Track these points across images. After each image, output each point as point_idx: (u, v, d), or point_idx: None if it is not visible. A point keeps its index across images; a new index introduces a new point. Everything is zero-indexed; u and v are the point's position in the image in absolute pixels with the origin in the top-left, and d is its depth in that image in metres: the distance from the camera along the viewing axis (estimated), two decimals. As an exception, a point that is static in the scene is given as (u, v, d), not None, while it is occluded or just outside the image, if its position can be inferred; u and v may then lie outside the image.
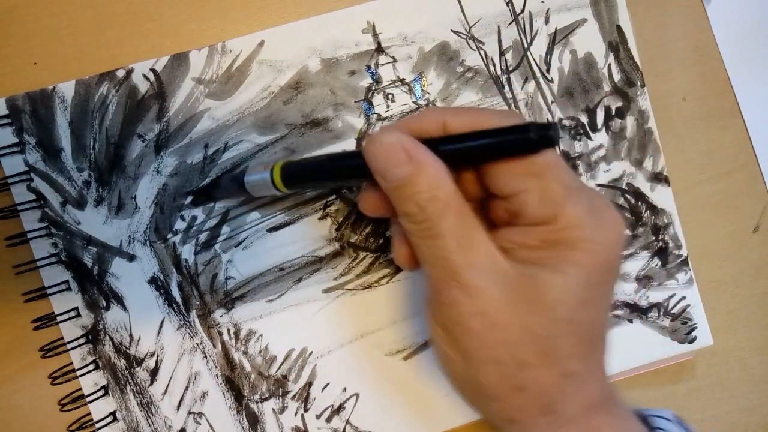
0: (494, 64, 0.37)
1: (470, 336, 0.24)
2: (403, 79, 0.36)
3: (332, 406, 0.35)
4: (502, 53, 0.37)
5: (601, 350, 0.25)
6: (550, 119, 0.37)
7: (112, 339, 0.34)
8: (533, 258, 0.24)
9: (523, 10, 0.37)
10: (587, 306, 0.23)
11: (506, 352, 0.23)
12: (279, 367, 0.35)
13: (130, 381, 0.34)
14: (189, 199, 0.34)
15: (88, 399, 0.34)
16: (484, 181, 0.25)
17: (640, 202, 0.37)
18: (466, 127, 0.25)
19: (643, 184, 0.37)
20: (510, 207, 0.25)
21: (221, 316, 0.35)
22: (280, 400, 0.35)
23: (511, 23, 0.37)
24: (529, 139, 0.23)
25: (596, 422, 0.24)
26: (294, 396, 0.35)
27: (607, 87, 0.37)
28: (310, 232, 0.35)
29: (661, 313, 0.37)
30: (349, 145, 0.36)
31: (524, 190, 0.24)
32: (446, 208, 0.23)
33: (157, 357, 0.34)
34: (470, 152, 0.24)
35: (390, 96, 0.36)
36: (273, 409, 0.35)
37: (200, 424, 0.34)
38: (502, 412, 0.24)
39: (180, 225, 0.34)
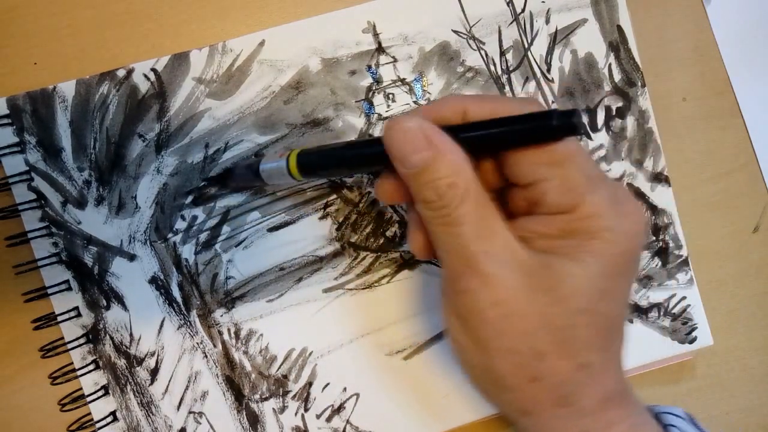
0: (495, 64, 0.37)
1: (486, 325, 0.23)
2: (404, 78, 0.36)
3: (332, 405, 0.35)
4: (502, 53, 0.37)
5: (619, 342, 0.25)
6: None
7: (112, 338, 0.34)
8: (552, 247, 0.24)
9: (523, 10, 0.37)
10: (606, 296, 0.23)
11: (522, 341, 0.23)
12: (279, 367, 0.35)
13: (131, 380, 0.34)
14: (200, 186, 0.34)
15: (89, 399, 0.34)
16: (503, 169, 0.25)
17: (640, 203, 0.37)
18: (487, 114, 0.25)
19: (643, 184, 0.37)
20: (529, 196, 0.25)
21: (221, 315, 0.35)
22: (281, 399, 0.35)
23: (511, 23, 0.37)
24: (552, 126, 0.23)
25: (611, 415, 0.24)
26: (294, 396, 0.35)
27: (607, 87, 0.37)
28: (310, 232, 0.35)
29: (662, 313, 0.37)
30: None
31: (545, 178, 0.24)
32: (465, 195, 0.23)
33: (158, 356, 0.34)
34: (491, 140, 0.24)
35: (390, 96, 0.36)
36: (273, 409, 0.35)
37: (200, 423, 0.34)
38: (516, 403, 0.24)
39: (180, 224, 0.34)
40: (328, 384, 0.35)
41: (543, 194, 0.24)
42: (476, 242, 0.23)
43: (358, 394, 0.35)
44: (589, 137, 0.37)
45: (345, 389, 0.35)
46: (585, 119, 0.37)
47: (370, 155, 0.27)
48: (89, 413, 0.34)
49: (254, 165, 0.32)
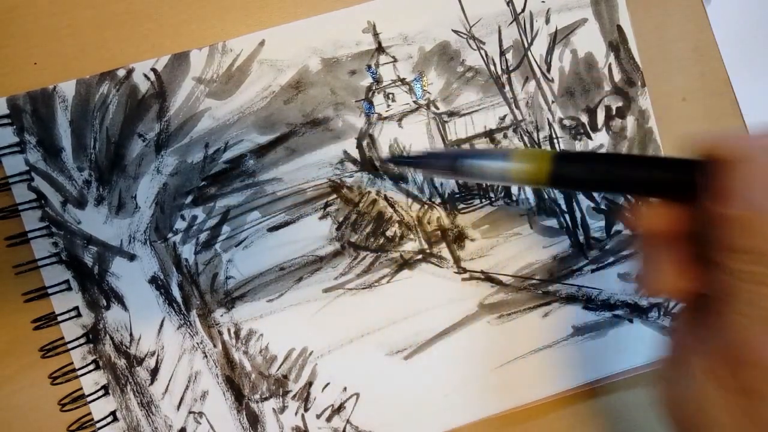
0: (495, 64, 0.37)
1: None
2: (404, 78, 0.36)
3: (332, 405, 0.35)
4: (502, 53, 0.37)
5: None
6: (551, 119, 0.37)
7: (112, 338, 0.34)
8: None
9: (523, 10, 0.37)
10: None
11: None
12: (279, 367, 0.35)
13: (131, 380, 0.34)
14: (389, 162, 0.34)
15: (89, 399, 0.34)
16: None
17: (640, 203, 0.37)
18: None
19: (643, 184, 0.37)
20: None
21: (221, 315, 0.35)
22: (281, 399, 0.35)
23: (511, 23, 0.37)
24: None
25: None
26: (294, 395, 0.35)
27: (607, 87, 0.37)
28: (310, 232, 0.35)
29: (662, 312, 0.37)
30: (349, 144, 0.35)
31: None
32: None
33: (158, 356, 0.34)
34: None
35: (390, 96, 0.36)
36: (273, 409, 0.35)
37: (200, 423, 0.34)
38: None
39: (180, 224, 0.34)
40: (328, 384, 0.35)
41: None
42: None
43: (358, 394, 0.35)
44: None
45: (345, 389, 0.35)
46: (587, 120, 0.36)
47: (663, 180, 0.21)
48: (89, 413, 0.34)
49: (458, 157, 0.26)
